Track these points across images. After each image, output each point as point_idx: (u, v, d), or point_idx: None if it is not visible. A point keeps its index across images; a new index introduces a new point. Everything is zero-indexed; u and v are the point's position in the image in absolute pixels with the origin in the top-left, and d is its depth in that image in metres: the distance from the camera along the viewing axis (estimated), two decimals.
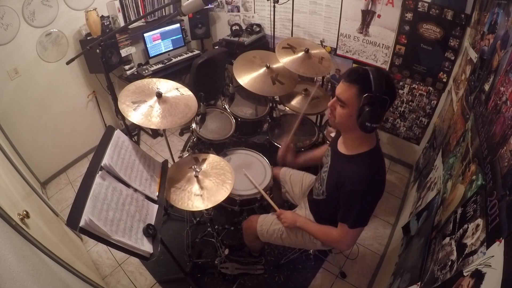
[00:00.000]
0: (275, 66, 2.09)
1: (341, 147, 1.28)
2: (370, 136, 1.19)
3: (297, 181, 1.75)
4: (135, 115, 1.47)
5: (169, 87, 1.68)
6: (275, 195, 1.87)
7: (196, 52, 3.13)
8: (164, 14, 2.95)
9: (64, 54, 2.45)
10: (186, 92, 1.70)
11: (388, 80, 1.05)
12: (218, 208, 1.53)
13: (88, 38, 2.44)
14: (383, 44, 2.36)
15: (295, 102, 2.21)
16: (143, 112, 1.49)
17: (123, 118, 2.28)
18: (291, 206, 1.82)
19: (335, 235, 1.27)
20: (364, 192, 1.12)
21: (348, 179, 1.16)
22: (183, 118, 1.56)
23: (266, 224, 1.57)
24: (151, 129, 3.17)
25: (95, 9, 2.35)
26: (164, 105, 1.56)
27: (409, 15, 2.11)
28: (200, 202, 1.37)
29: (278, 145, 2.06)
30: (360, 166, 1.15)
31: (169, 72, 2.85)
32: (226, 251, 1.81)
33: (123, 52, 2.69)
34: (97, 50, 1.69)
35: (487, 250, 0.73)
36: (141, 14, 2.73)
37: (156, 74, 2.76)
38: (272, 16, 2.58)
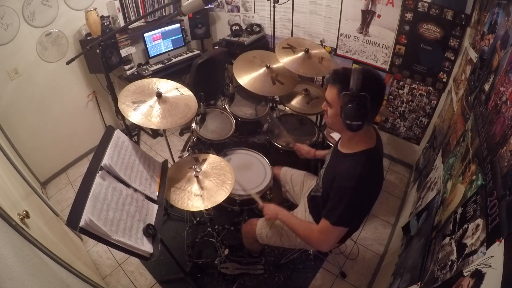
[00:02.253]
0: (275, 66, 2.09)
1: (341, 146, 1.29)
2: (368, 136, 1.19)
3: (298, 180, 1.75)
4: (135, 115, 1.47)
5: (169, 87, 1.68)
6: (275, 194, 1.87)
7: (196, 52, 3.13)
8: (164, 14, 2.95)
9: (64, 54, 2.45)
10: (186, 92, 1.70)
11: (366, 76, 1.05)
12: (218, 208, 1.53)
13: (88, 38, 2.44)
14: (383, 44, 2.35)
15: (295, 102, 2.20)
16: (143, 112, 1.49)
17: (123, 118, 2.28)
18: (291, 206, 1.82)
19: (315, 232, 1.23)
20: (353, 190, 1.10)
21: (339, 175, 1.16)
22: (183, 118, 1.56)
23: (265, 228, 1.56)
24: (151, 129, 3.17)
25: (95, 9, 2.35)
26: (164, 105, 1.56)
27: (409, 15, 2.11)
28: (200, 202, 1.37)
29: (278, 145, 2.07)
30: (353, 163, 1.15)
31: (169, 72, 2.84)
32: (226, 251, 1.81)
33: (123, 52, 2.69)
34: (97, 50, 1.69)
35: (487, 250, 0.73)
36: (141, 14, 2.73)
37: (156, 74, 2.76)
38: (272, 16, 2.58)
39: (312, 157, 1.75)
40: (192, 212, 2.18)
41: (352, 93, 1.04)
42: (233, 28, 2.98)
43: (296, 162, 1.92)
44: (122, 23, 2.63)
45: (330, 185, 1.21)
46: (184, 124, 1.82)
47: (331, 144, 2.05)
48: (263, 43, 3.01)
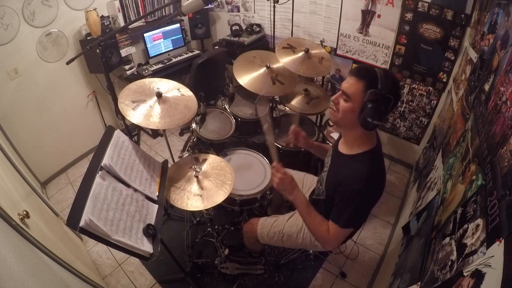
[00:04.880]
0: (275, 66, 2.08)
1: (342, 147, 1.28)
2: (371, 136, 1.19)
3: (298, 181, 1.73)
4: (134, 115, 1.46)
5: (170, 87, 1.68)
6: (275, 195, 1.87)
7: (196, 52, 3.13)
8: (164, 14, 2.95)
9: (64, 54, 2.45)
10: (186, 92, 1.70)
11: (394, 80, 1.08)
12: (218, 208, 1.53)
13: (88, 38, 2.44)
14: (383, 44, 2.35)
15: (295, 102, 2.21)
16: (142, 112, 1.49)
17: (123, 118, 2.28)
18: (291, 207, 1.82)
19: (323, 230, 1.21)
20: (361, 192, 1.11)
21: (346, 178, 1.15)
22: (182, 119, 1.55)
23: (267, 227, 1.56)
24: (151, 129, 3.17)
25: (95, 9, 2.35)
26: (163, 105, 1.55)
27: (409, 15, 2.11)
28: (200, 202, 1.37)
29: (278, 145, 2.06)
30: (358, 165, 1.14)
31: (169, 72, 2.84)
32: (226, 251, 1.81)
33: (123, 52, 2.69)
34: (97, 50, 1.69)
35: (487, 250, 0.73)
36: (141, 14, 2.73)
37: (156, 74, 2.76)
38: (272, 16, 2.58)
39: (309, 147, 1.60)
40: (192, 212, 2.18)
41: (380, 92, 1.03)
42: (233, 28, 2.98)
43: (296, 162, 1.92)
44: (122, 23, 2.63)
45: (334, 188, 1.20)
46: (184, 124, 1.81)
47: (330, 143, 2.05)
48: (263, 43, 3.02)
